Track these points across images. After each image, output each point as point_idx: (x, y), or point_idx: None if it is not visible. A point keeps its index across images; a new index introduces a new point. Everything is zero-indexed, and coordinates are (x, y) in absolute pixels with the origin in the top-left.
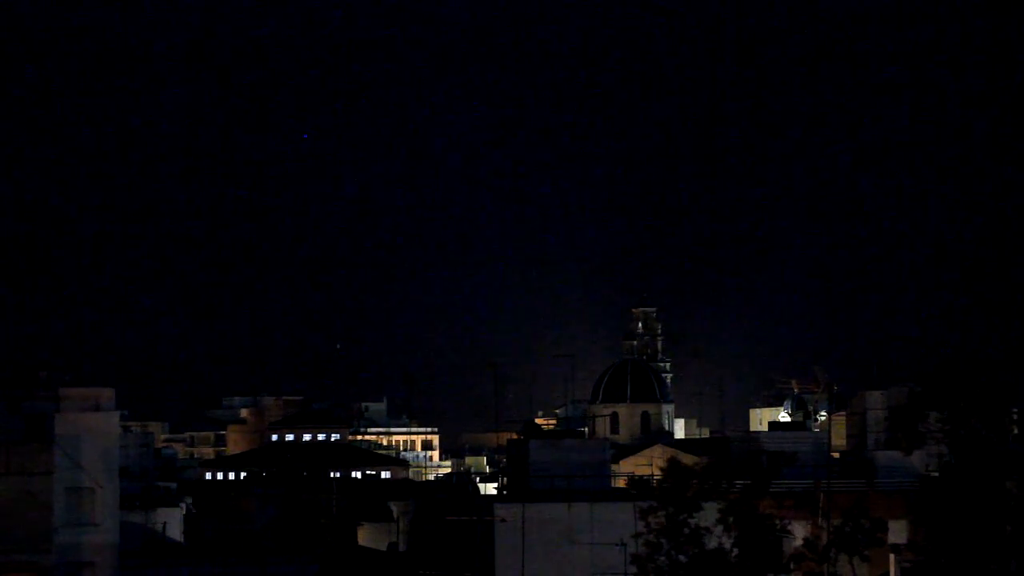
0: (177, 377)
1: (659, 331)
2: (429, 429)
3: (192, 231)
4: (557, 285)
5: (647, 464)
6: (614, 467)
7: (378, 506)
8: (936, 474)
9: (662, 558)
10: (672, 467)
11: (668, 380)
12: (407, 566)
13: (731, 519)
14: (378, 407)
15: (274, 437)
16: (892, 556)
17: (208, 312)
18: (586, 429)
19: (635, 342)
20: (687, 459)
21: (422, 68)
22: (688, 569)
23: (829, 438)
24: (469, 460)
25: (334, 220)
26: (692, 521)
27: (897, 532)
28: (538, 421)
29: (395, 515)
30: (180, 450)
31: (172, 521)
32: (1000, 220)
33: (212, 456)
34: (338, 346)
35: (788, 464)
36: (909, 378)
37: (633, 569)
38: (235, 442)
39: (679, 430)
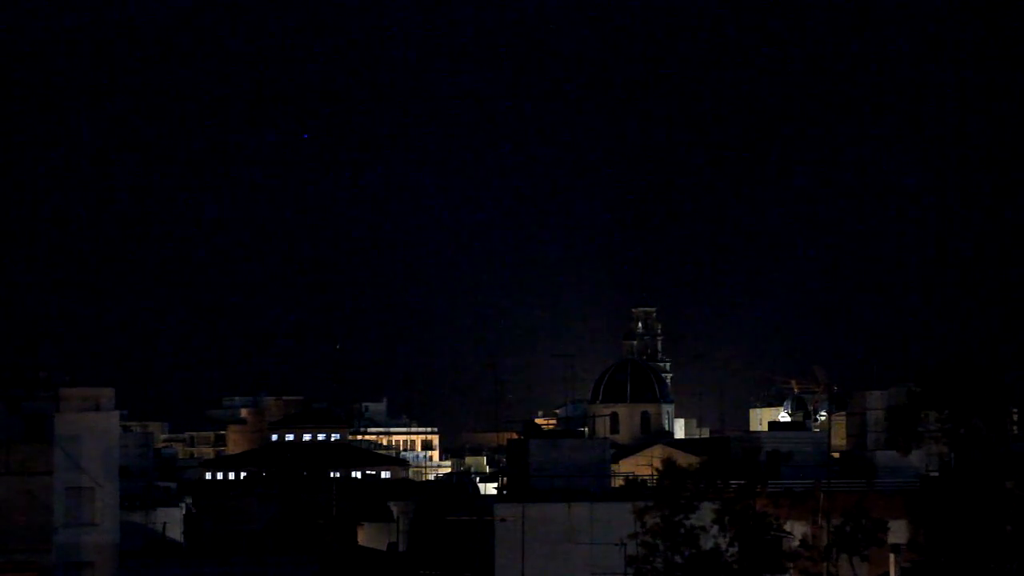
0: (177, 377)
1: (659, 331)
2: (429, 429)
3: (192, 231)
4: (557, 285)
5: (647, 464)
6: (614, 467)
7: (378, 506)
8: (936, 474)
9: (658, 559)
10: (668, 467)
11: (668, 380)
12: (407, 566)
13: (727, 519)
14: (378, 407)
15: (274, 437)
16: (892, 556)
17: (208, 312)
18: (586, 429)
19: (635, 342)
20: (685, 459)
21: (423, 68)
22: (684, 570)
23: (829, 438)
24: (469, 460)
25: (334, 220)
26: (688, 522)
27: (897, 532)
28: (538, 421)
29: (395, 515)
30: (180, 450)
31: (172, 521)
32: (1000, 220)
33: (212, 456)
34: (338, 346)
35: (785, 463)
36: (909, 378)
37: (631, 570)
38: (235, 442)
39: (679, 430)
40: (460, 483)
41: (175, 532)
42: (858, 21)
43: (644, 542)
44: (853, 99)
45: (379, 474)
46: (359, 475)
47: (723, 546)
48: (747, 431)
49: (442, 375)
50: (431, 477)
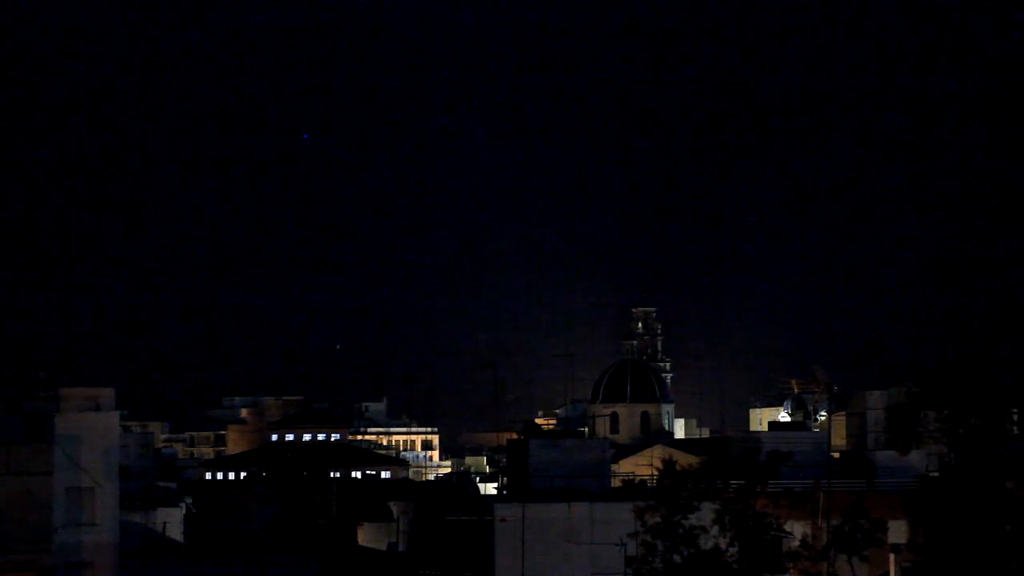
0: (177, 377)
1: (659, 331)
2: (429, 429)
3: (192, 231)
4: (557, 285)
5: (647, 464)
6: (614, 467)
7: (378, 506)
8: (936, 474)
9: (658, 559)
10: (668, 467)
11: (668, 380)
12: (407, 566)
13: (727, 519)
14: (378, 407)
15: (274, 437)
16: (892, 556)
17: (208, 312)
18: (586, 429)
19: (635, 342)
20: (685, 459)
21: (423, 68)
22: (684, 570)
23: (829, 438)
24: (469, 460)
25: (334, 220)
26: (688, 522)
27: (897, 532)
28: (538, 421)
29: (395, 515)
30: (180, 450)
31: (172, 521)
32: (999, 220)
33: (212, 456)
34: (338, 346)
35: (785, 463)
36: (909, 378)
37: (631, 570)
38: (235, 442)
39: (679, 430)
40: (460, 483)
41: (175, 532)
42: (858, 20)
43: (644, 542)
44: (853, 98)
45: (379, 474)
46: (359, 475)
47: (723, 546)
48: (747, 431)
49: (442, 375)
50: (431, 477)
